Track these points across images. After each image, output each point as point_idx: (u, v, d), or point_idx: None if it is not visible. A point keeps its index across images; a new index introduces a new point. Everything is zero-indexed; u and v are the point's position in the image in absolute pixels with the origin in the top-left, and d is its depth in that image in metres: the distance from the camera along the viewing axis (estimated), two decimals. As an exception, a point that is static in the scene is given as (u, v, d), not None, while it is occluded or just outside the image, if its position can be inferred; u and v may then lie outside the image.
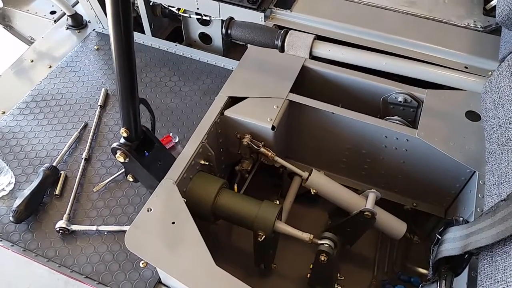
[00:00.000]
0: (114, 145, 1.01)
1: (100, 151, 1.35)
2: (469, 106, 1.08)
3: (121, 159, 1.02)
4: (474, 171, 0.98)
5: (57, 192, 1.24)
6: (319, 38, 1.12)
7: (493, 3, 1.33)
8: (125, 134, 0.99)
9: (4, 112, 1.47)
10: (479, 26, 1.28)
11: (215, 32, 1.60)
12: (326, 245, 0.95)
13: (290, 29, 1.17)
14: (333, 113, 1.09)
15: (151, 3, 1.57)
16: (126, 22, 0.82)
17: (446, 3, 1.36)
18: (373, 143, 1.10)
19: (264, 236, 0.96)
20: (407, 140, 1.05)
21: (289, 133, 1.19)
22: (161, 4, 1.54)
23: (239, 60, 1.53)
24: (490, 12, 1.33)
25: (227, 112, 1.10)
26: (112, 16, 0.80)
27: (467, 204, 0.99)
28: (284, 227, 0.97)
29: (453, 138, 1.02)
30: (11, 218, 1.15)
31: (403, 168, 1.12)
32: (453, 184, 1.06)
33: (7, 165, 1.28)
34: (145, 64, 1.61)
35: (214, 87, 1.55)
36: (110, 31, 0.82)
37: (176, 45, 1.64)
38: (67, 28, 1.78)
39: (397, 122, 1.10)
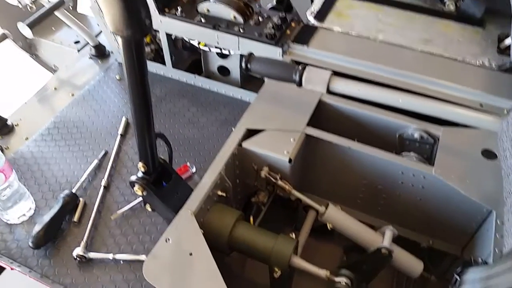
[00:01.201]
0: (132, 178, 1.04)
1: (118, 179, 1.38)
2: (485, 144, 1.09)
3: (139, 192, 1.05)
4: (491, 210, 0.98)
5: (75, 219, 1.26)
6: (335, 73, 1.15)
7: (507, 42, 1.35)
8: (143, 169, 1.03)
9: (27, 138, 1.52)
10: (493, 65, 1.30)
11: (233, 65, 1.64)
12: (343, 283, 0.95)
13: (307, 64, 1.20)
14: (349, 147, 1.10)
15: (173, 37, 1.62)
16: (140, 67, 0.86)
17: (461, 42, 1.39)
18: (390, 179, 1.11)
19: (280, 273, 0.96)
20: (424, 177, 1.05)
21: (306, 166, 1.21)
22: (183, 38, 1.60)
23: (255, 92, 1.57)
24: (504, 51, 1.35)
25: (245, 144, 1.12)
26: (127, 60, 0.84)
27: (485, 244, 0.98)
28: (300, 262, 0.97)
29: (470, 176, 1.02)
30: (30, 244, 1.18)
31: (419, 205, 1.12)
32: (469, 223, 1.06)
33: (28, 190, 1.31)
34: (165, 94, 1.66)
35: (231, 118, 1.59)
36: (125, 71, 0.86)
37: (195, 77, 1.69)
38: (90, 58, 1.84)
39: (414, 158, 1.11)
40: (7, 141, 1.52)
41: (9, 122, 1.56)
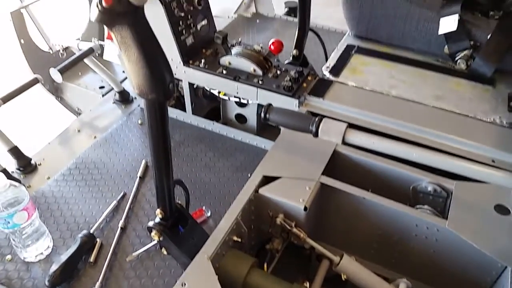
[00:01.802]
0: (150, 224, 1.08)
1: (135, 221, 1.41)
2: (498, 200, 1.10)
3: (156, 238, 1.08)
4: (506, 267, 0.98)
5: (91, 259, 1.28)
6: (350, 125, 1.20)
7: (517, 100, 1.40)
8: (160, 216, 1.07)
9: (49, 178, 1.57)
10: (504, 122, 1.34)
11: (251, 113, 1.71)
12: (357, 333, 0.94)
13: (323, 115, 1.25)
14: (364, 198, 1.13)
15: (195, 86, 1.70)
16: (162, 126, 0.90)
17: (472, 99, 1.44)
18: (404, 231, 1.12)
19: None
20: (438, 230, 1.07)
21: (320, 215, 1.23)
22: (204, 87, 1.68)
23: (271, 140, 1.63)
24: (514, 109, 1.40)
25: (262, 190, 1.15)
26: (150, 119, 0.88)
27: (500, 300, 0.98)
28: (314, 311, 0.97)
29: (483, 231, 1.03)
30: (46, 283, 1.19)
31: (433, 258, 1.12)
32: (484, 278, 1.06)
33: (47, 228, 1.34)
34: (183, 139, 1.72)
35: (247, 164, 1.63)
36: (147, 128, 0.91)
37: (213, 123, 1.75)
38: (114, 102, 1.93)
39: (428, 211, 1.12)
40: (29, 179, 1.57)
41: (32, 161, 1.62)
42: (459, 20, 1.48)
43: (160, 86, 0.80)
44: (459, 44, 1.52)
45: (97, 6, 0.70)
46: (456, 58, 1.55)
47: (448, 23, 1.48)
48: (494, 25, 1.52)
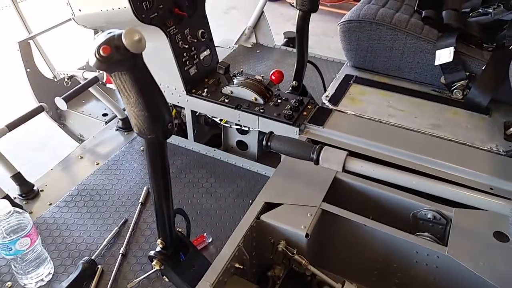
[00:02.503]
0: (151, 253, 1.10)
1: (136, 248, 1.41)
2: (496, 227, 1.12)
3: (157, 267, 1.10)
4: (507, 294, 0.98)
5: (92, 286, 1.28)
6: (350, 153, 1.22)
7: (512, 129, 1.43)
8: (161, 246, 1.08)
9: (51, 204, 1.58)
10: (501, 150, 1.37)
11: (252, 140, 1.74)
12: None
13: (323, 143, 1.28)
14: (365, 225, 1.14)
15: (197, 114, 1.74)
16: (162, 163, 0.92)
17: (469, 128, 1.47)
18: (404, 258, 1.13)
19: None
20: (438, 257, 1.08)
21: (322, 241, 1.24)
22: (206, 114, 1.71)
23: (271, 166, 1.65)
24: (510, 137, 1.43)
25: (263, 217, 1.17)
26: (149, 156, 0.91)
27: (502, 328, 0.98)
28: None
29: (483, 258, 1.04)
30: (47, 310, 1.19)
31: (434, 285, 1.12)
32: (486, 305, 1.06)
33: (48, 255, 1.34)
34: (185, 165, 1.74)
35: (247, 190, 1.64)
36: (148, 164, 0.93)
37: (215, 150, 1.78)
38: (117, 129, 1.96)
39: (428, 238, 1.13)
40: (31, 205, 1.58)
41: (35, 187, 1.63)
42: (454, 52, 1.53)
43: (159, 127, 0.82)
44: (455, 74, 1.57)
45: (95, 55, 0.71)
46: (453, 88, 1.60)
47: (444, 55, 1.54)
48: (488, 56, 1.57)
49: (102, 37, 0.71)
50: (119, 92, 0.78)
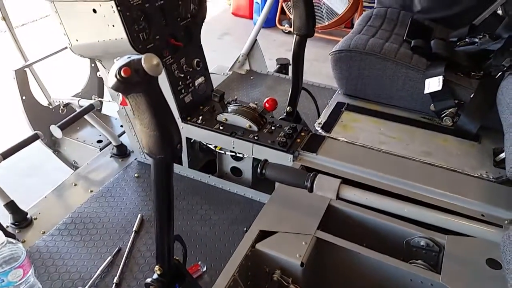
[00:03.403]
0: (148, 281, 1.09)
1: (130, 277, 1.40)
2: (489, 254, 1.13)
3: None
4: (501, 322, 0.99)
5: (86, 317, 1.26)
6: (343, 180, 1.24)
7: (501, 155, 1.46)
8: (159, 272, 1.08)
9: (44, 232, 1.56)
10: (491, 177, 1.40)
11: (246, 166, 1.75)
12: None
13: (317, 170, 1.29)
14: (359, 253, 1.15)
15: (192, 141, 1.75)
16: (168, 185, 0.95)
17: (459, 155, 1.50)
18: (399, 286, 1.13)
19: None
20: (431, 284, 1.08)
21: (316, 269, 1.24)
22: (200, 141, 1.73)
23: (266, 193, 1.66)
24: (500, 164, 1.46)
25: (259, 246, 1.17)
26: (156, 177, 0.93)
27: None
28: None
29: (476, 285, 1.05)
30: None
31: (429, 313, 1.13)
32: (480, 334, 1.06)
33: (41, 285, 1.32)
34: (179, 192, 1.74)
35: (242, 217, 1.64)
36: (152, 186, 0.95)
37: (209, 177, 1.79)
38: (111, 156, 1.96)
39: (421, 266, 1.14)
40: (24, 234, 1.57)
41: (28, 216, 1.62)
42: (443, 81, 1.58)
43: (169, 147, 0.86)
44: (444, 102, 1.61)
45: (116, 76, 0.76)
46: (442, 115, 1.64)
47: (433, 84, 1.58)
48: (476, 84, 1.62)
49: (122, 60, 0.77)
50: (133, 113, 0.83)
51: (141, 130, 0.84)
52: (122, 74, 0.75)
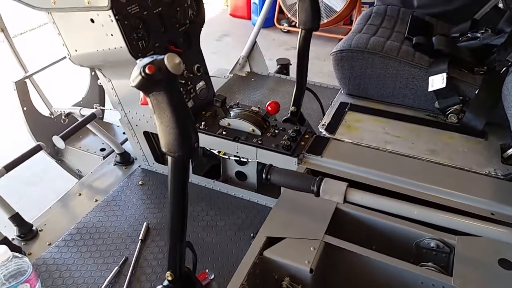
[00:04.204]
0: (159, 287, 1.07)
1: (138, 287, 1.39)
2: (501, 254, 1.12)
3: None
4: (516, 324, 0.98)
5: (95, 329, 1.25)
6: (348, 181, 1.22)
7: (509, 152, 1.44)
8: (170, 278, 1.07)
9: (50, 244, 1.56)
10: (499, 174, 1.38)
11: (251, 171, 1.74)
12: None
13: (322, 173, 1.28)
14: (368, 257, 1.13)
15: (195, 146, 1.74)
16: (183, 183, 0.97)
17: (466, 152, 1.48)
18: (410, 289, 1.12)
19: None
20: (443, 287, 1.07)
21: (326, 275, 1.22)
22: (204, 147, 1.72)
23: (271, 197, 1.65)
24: (508, 160, 1.44)
25: (266, 253, 1.16)
26: (173, 176, 0.95)
27: None
28: None
29: (489, 287, 1.04)
30: None
31: (441, 317, 1.11)
32: (494, 335, 1.05)
33: (49, 298, 1.32)
34: (184, 199, 1.73)
35: (248, 222, 1.63)
36: (169, 185, 0.97)
37: (214, 182, 1.78)
38: (115, 164, 1.95)
39: (432, 268, 1.13)
40: (30, 246, 1.56)
41: (34, 228, 1.61)
42: (447, 78, 1.56)
43: (188, 145, 0.89)
44: (448, 99, 1.59)
45: (141, 73, 0.81)
46: (447, 113, 1.62)
47: (437, 81, 1.56)
48: (480, 80, 1.60)
49: (146, 60, 0.83)
50: (154, 111, 0.87)
51: (161, 128, 0.87)
52: (147, 71, 0.80)
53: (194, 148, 0.90)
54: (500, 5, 2.04)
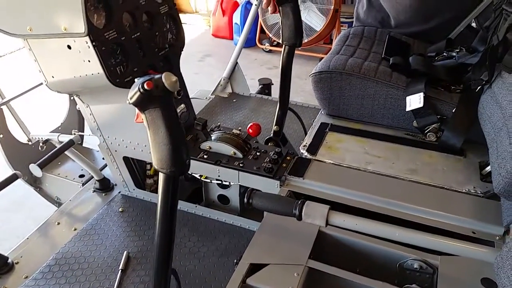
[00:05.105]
0: None
1: (119, 319, 1.35)
2: (483, 273, 1.11)
3: None
4: None
5: None
6: (331, 203, 1.22)
7: (487, 169, 1.46)
8: None
9: (26, 277, 1.50)
10: (479, 192, 1.39)
11: (233, 194, 1.72)
12: None
13: (304, 195, 1.26)
14: (352, 281, 1.12)
15: (176, 171, 1.72)
16: (173, 202, 0.98)
17: (445, 170, 1.49)
18: (395, 312, 1.11)
19: None
20: (428, 309, 1.06)
21: (310, 301, 1.21)
22: (185, 172, 1.70)
23: (254, 220, 1.63)
24: (486, 177, 1.45)
25: (249, 281, 1.13)
26: (162, 193, 0.96)
27: None
28: None
29: (474, 308, 1.03)
30: None
31: None
32: None
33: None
34: (166, 225, 1.70)
35: (231, 247, 1.61)
36: (158, 204, 0.98)
37: (196, 206, 1.75)
38: (94, 191, 1.91)
39: (417, 291, 1.12)
40: (5, 280, 1.50)
41: (9, 260, 1.56)
42: (424, 97, 1.58)
43: (181, 161, 0.91)
44: (426, 118, 1.61)
45: (139, 89, 0.84)
46: (426, 131, 1.64)
47: (415, 101, 1.58)
48: (457, 98, 1.63)
49: (144, 78, 0.87)
50: (148, 128, 0.90)
51: (154, 144, 0.90)
52: (146, 86, 0.84)
53: (185, 165, 0.92)
54: (473, 24, 2.09)
